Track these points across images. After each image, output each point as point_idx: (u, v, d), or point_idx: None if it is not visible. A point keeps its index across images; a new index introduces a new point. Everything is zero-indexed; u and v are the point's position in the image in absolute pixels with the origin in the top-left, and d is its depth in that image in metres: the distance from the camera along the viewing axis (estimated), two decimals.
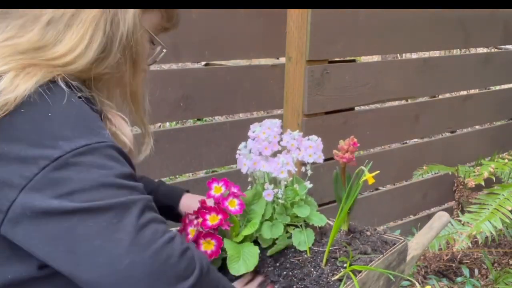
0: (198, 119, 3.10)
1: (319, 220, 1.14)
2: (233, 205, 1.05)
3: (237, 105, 1.86)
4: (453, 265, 2.41)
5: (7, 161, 0.71)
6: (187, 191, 1.24)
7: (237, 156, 1.15)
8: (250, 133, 1.17)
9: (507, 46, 3.60)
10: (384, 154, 2.42)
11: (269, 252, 1.09)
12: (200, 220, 1.01)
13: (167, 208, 1.18)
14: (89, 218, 0.69)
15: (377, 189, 2.52)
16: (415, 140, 2.83)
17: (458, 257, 2.44)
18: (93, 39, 0.80)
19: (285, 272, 1.06)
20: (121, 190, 0.73)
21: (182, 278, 0.73)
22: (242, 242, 1.07)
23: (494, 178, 2.20)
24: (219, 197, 1.06)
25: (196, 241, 1.02)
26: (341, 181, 1.13)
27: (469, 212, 1.95)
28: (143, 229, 0.71)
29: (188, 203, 1.18)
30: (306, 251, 1.09)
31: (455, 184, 2.64)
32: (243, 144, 1.16)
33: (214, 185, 1.08)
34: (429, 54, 4.50)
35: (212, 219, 1.01)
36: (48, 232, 0.69)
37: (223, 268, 1.03)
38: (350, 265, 1.05)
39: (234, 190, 1.07)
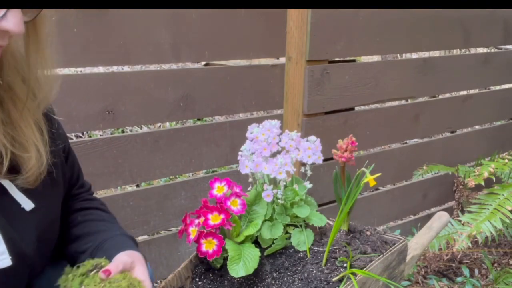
0: (198, 119, 3.10)
1: (319, 220, 1.14)
2: (235, 205, 1.05)
3: (237, 105, 1.86)
4: (453, 265, 2.41)
5: None
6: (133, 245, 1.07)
7: (239, 157, 1.15)
8: (248, 134, 1.17)
9: (507, 46, 3.60)
10: (384, 154, 2.42)
11: (266, 252, 1.09)
12: (202, 219, 1.01)
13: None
14: None
15: (377, 189, 2.52)
16: (415, 140, 2.83)
17: (458, 257, 2.44)
18: None
19: (284, 272, 1.06)
20: None
21: None
22: (242, 242, 1.07)
23: (494, 178, 2.20)
24: (222, 196, 1.06)
25: (197, 241, 1.02)
26: (341, 180, 1.13)
27: (469, 212, 1.95)
28: None
29: (119, 258, 0.99)
30: (305, 251, 1.09)
31: (455, 184, 2.64)
32: (245, 145, 1.16)
33: (217, 184, 1.08)
34: (429, 54, 4.50)
35: (215, 219, 1.01)
36: None
37: (224, 267, 1.04)
38: (350, 265, 1.05)
39: (237, 190, 1.07)
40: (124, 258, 0.96)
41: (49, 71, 0.90)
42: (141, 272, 0.95)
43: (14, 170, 0.87)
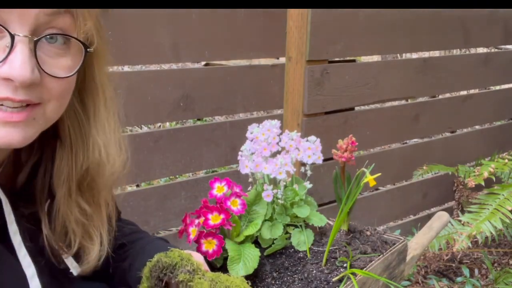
0: (198, 119, 3.10)
1: (319, 220, 1.14)
2: (235, 205, 1.05)
3: (237, 105, 1.86)
4: (453, 265, 2.41)
5: None
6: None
7: (239, 157, 1.15)
8: (248, 134, 1.17)
9: (507, 46, 3.60)
10: (384, 154, 2.42)
11: (266, 252, 1.09)
12: (202, 219, 1.01)
13: None
14: None
15: (377, 189, 2.52)
16: (415, 140, 2.83)
17: (458, 257, 2.44)
18: None
19: (284, 272, 1.06)
20: None
21: None
22: (242, 242, 1.07)
23: (494, 178, 2.20)
24: (222, 196, 1.06)
25: (197, 241, 1.02)
26: (341, 180, 1.13)
27: (469, 212, 1.95)
28: None
29: None
30: (305, 251, 1.09)
31: (455, 184, 2.64)
32: (245, 145, 1.16)
33: (217, 184, 1.08)
34: (429, 54, 4.50)
35: (215, 219, 1.01)
36: None
37: (224, 267, 1.04)
38: (350, 265, 1.05)
39: (237, 190, 1.07)
40: (196, 254, 0.93)
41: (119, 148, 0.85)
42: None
43: (74, 256, 0.86)
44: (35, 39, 0.66)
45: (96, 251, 0.85)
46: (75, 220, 0.82)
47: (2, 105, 0.67)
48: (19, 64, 0.64)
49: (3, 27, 0.64)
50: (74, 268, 0.87)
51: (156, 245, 1.00)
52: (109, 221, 0.88)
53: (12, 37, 0.64)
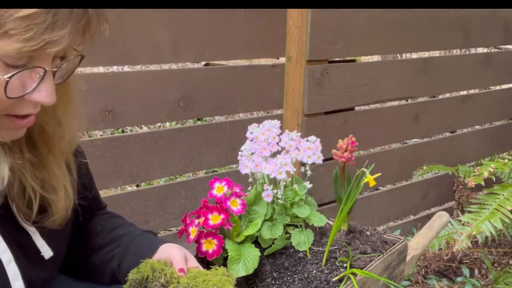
0: (198, 119, 3.10)
1: (319, 220, 1.14)
2: (235, 205, 1.05)
3: (237, 105, 1.86)
4: (453, 265, 2.41)
5: None
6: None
7: (239, 157, 1.15)
8: (248, 134, 1.17)
9: (507, 46, 3.60)
10: (384, 154, 2.42)
11: (266, 252, 1.09)
12: (202, 219, 1.01)
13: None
14: None
15: (377, 189, 2.52)
16: (415, 140, 2.83)
17: (458, 257, 2.44)
18: None
19: (284, 272, 1.06)
20: None
21: None
22: (242, 242, 1.07)
23: (494, 178, 2.20)
24: (222, 196, 1.06)
25: (197, 241, 1.02)
26: (341, 180, 1.13)
27: (469, 212, 1.95)
28: None
29: (165, 253, 0.97)
30: (305, 251, 1.09)
31: (455, 184, 2.64)
32: (245, 145, 1.16)
33: (217, 184, 1.08)
34: (429, 54, 4.50)
35: (215, 219, 1.01)
36: None
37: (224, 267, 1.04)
38: (350, 265, 1.05)
39: (237, 190, 1.07)
40: (177, 251, 0.94)
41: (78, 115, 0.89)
42: (194, 262, 0.95)
43: (41, 211, 0.86)
44: (55, 69, 0.76)
45: (62, 201, 0.87)
46: (30, 176, 0.83)
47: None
48: (49, 92, 0.75)
49: (40, 67, 0.73)
50: (46, 251, 0.88)
51: (140, 242, 1.01)
52: (69, 171, 0.91)
53: (45, 71, 0.73)
